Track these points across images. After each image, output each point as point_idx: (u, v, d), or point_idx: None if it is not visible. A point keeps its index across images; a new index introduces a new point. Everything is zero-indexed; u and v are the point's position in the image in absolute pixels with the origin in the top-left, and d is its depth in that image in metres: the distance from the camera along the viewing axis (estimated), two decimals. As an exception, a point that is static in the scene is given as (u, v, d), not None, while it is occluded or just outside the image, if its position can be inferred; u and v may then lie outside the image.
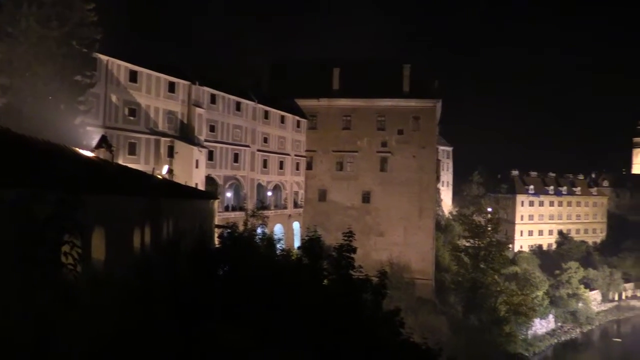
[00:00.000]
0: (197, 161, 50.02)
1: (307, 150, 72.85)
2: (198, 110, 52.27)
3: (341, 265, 17.35)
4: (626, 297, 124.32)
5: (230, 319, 12.34)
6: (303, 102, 72.71)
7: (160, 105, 48.79)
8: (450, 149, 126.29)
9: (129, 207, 9.98)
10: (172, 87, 50.33)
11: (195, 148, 50.05)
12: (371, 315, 16.71)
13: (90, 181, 7.83)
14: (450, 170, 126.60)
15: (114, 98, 43.32)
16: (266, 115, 64.65)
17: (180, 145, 49.19)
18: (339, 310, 14.24)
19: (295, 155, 70.54)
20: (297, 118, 70.87)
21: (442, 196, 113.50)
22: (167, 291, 10.59)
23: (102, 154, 26.81)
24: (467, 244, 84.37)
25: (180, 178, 45.22)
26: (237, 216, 52.34)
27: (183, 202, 18.17)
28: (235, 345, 10.71)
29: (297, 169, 71.13)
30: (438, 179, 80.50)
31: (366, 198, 71.58)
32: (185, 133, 50.89)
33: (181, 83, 51.29)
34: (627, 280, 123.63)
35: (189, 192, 24.63)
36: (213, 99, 55.50)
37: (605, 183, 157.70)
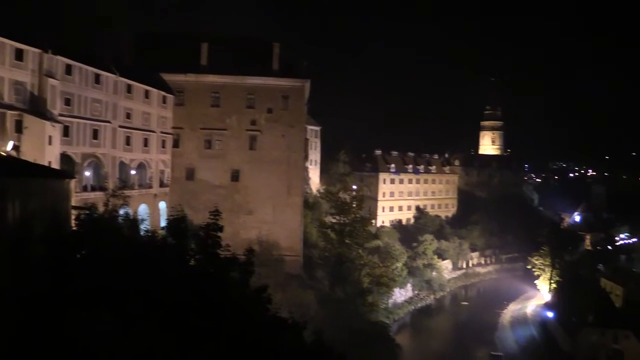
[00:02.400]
0: (50, 137, 45.94)
1: (173, 127, 70.21)
2: (51, 81, 47.89)
3: (208, 245, 17.16)
4: (472, 264, 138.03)
5: (90, 304, 11.72)
6: (169, 77, 69.76)
7: (6, 74, 43.94)
8: (318, 128, 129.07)
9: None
10: (19, 55, 45.46)
11: (47, 123, 45.91)
12: (239, 293, 16.80)
13: None
14: (318, 149, 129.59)
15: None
16: (129, 89, 61.08)
17: (30, 120, 44.71)
18: (206, 290, 14.14)
19: (161, 132, 67.70)
20: (163, 93, 67.89)
21: (310, 174, 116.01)
22: (11, 279, 9.75)
23: None
24: (334, 221, 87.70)
25: (29, 155, 41.34)
26: (97, 196, 49.29)
27: (32, 182, 16.70)
28: (96, 331, 10.21)
29: (163, 146, 68.39)
30: (306, 157, 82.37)
31: (235, 177, 71.07)
32: (37, 106, 46.40)
33: (30, 51, 46.46)
34: (473, 250, 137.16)
35: (39, 171, 22.68)
36: (69, 70, 51.15)
37: (457, 162, 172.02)
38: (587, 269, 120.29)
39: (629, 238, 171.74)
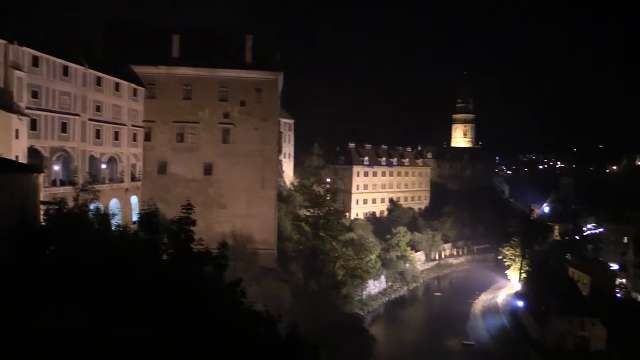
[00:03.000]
0: (17, 131, 44.87)
1: (145, 121, 69.20)
2: (17, 73, 46.67)
3: (181, 239, 17.02)
4: (445, 256, 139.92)
5: (60, 301, 11.54)
6: (140, 69, 68.63)
7: (-31, 66, 42.68)
8: (291, 121, 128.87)
9: None
10: (-17, 46, 44.17)
11: (14, 116, 44.80)
12: (212, 287, 16.73)
13: None
14: (292, 142, 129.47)
15: None
16: (99, 81, 59.90)
17: (-5, 113, 43.58)
18: (179, 284, 14.06)
19: (132, 126, 66.67)
20: (134, 86, 66.79)
21: (284, 167, 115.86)
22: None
23: None
24: (308, 214, 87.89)
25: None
26: (66, 191, 48.32)
27: (-1, 177, 16.32)
28: (65, 327, 10.08)
29: (135, 140, 67.40)
30: (280, 150, 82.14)
31: (208, 170, 70.49)
32: (2, 99, 45.20)
33: (-5, 42, 45.22)
34: (445, 241, 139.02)
35: (6, 165, 22.15)
36: (35, 62, 49.90)
37: (429, 155, 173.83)
38: (556, 258, 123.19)
39: (596, 228, 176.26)
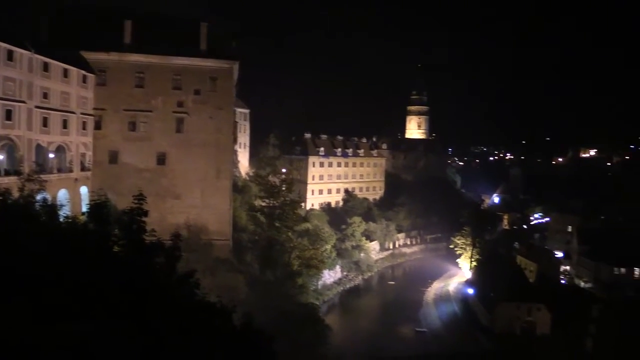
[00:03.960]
0: (-44, 117, 42.76)
1: (95, 109, 67.02)
2: (-44, 57, 44.43)
3: (132, 230, 16.68)
4: (399, 245, 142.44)
5: (3, 295, 11.17)
6: (90, 55, 66.33)
7: None
8: (247, 111, 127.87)
9: None
10: None
11: (-47, 102, 42.65)
12: (165, 279, 16.49)
13: None
14: (248, 132, 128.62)
15: None
16: (46, 67, 57.55)
17: None
18: (130, 276, 13.80)
19: (82, 114, 64.51)
20: (84, 72, 64.54)
21: (240, 158, 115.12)
22: None
23: None
24: (263, 204, 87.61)
25: None
26: (11, 181, 46.40)
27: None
28: (10, 324, 9.76)
29: (84, 128, 65.27)
30: (235, 140, 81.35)
31: (161, 160, 69.04)
32: (-61, 84, 42.96)
33: None
34: (399, 231, 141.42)
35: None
36: (-24, 45, 47.59)
37: (384, 146, 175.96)
38: (505, 247, 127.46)
39: (542, 217, 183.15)
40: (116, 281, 12.97)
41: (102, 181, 61.74)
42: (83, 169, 64.70)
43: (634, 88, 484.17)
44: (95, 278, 12.69)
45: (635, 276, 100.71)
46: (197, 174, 69.32)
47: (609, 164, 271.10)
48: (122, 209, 18.40)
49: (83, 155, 65.09)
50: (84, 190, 63.53)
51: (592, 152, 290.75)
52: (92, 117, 66.48)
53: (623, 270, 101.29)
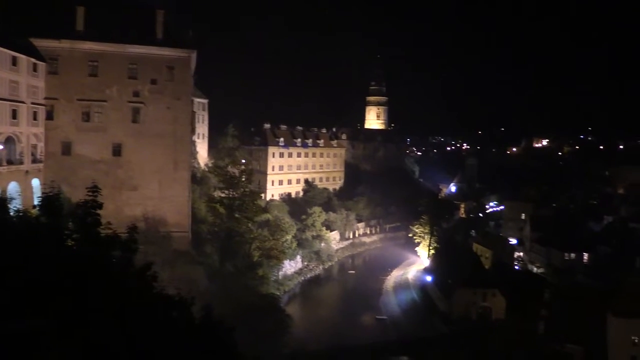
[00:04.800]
0: None
1: (47, 98, 64.71)
2: None
3: (87, 223, 16.28)
4: (359, 235, 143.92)
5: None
6: (41, 43, 63.80)
7: None
8: (205, 101, 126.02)
9: None
10: None
11: None
12: (121, 273, 16.20)
13: None
14: (206, 122, 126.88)
15: None
16: (-8, 55, 55.22)
17: None
18: (84, 271, 13.50)
19: (32, 104, 62.17)
20: (34, 60, 62.12)
21: (198, 148, 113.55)
22: None
23: None
24: (223, 195, 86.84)
25: None
26: (-44, 173, 44.57)
27: None
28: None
29: (35, 118, 62.95)
30: (193, 131, 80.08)
31: (117, 151, 67.37)
32: None
33: None
34: (359, 221, 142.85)
35: None
36: None
37: (344, 136, 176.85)
38: (461, 235, 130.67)
39: (497, 206, 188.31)
40: (69, 276, 12.67)
41: (55, 173, 59.83)
42: (34, 160, 62.53)
43: (583, 79, 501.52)
44: (48, 273, 12.35)
45: (585, 261, 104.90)
46: (154, 165, 68.01)
47: (560, 153, 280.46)
48: (76, 202, 17.91)
49: (34, 146, 62.87)
50: (35, 182, 61.46)
51: (544, 142, 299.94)
52: (43, 107, 64.20)
53: (573, 255, 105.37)
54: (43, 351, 9.68)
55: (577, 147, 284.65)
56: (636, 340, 61.10)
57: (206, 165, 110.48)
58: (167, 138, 68.32)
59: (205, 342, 18.27)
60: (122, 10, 67.49)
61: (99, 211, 16.68)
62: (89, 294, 12.29)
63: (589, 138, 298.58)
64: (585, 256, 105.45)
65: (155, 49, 67.93)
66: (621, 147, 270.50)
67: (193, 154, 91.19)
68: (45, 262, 12.88)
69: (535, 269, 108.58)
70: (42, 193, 18.49)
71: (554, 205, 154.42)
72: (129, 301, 14.01)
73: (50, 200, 16.84)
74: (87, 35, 65.70)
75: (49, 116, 64.90)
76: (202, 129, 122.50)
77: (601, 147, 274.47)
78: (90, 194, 16.96)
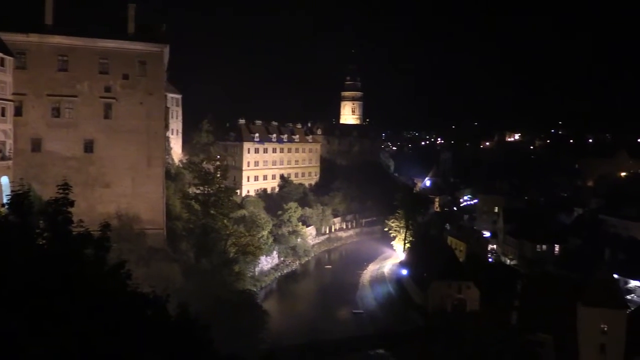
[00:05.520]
0: None
1: (15, 94, 63.07)
2: None
3: (58, 222, 15.97)
4: (335, 229, 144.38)
5: None
6: (8, 37, 62.08)
7: None
8: (179, 96, 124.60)
9: None
10: None
11: None
12: (94, 271, 15.94)
13: None
14: (180, 118, 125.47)
15: None
16: (-44, 49, 53.68)
17: None
18: (56, 269, 13.27)
19: (0, 99, 60.68)
20: (1, 55, 60.53)
21: (172, 144, 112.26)
22: None
23: None
24: (198, 191, 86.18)
25: None
26: None
27: None
28: None
29: (3, 114, 61.34)
30: (167, 126, 79.11)
31: (89, 147, 66.14)
32: None
33: None
34: (335, 216, 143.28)
35: None
36: None
37: (319, 132, 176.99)
38: (436, 228, 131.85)
39: (471, 199, 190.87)
40: (40, 275, 12.44)
41: (24, 171, 58.59)
42: (3, 158, 60.99)
43: (554, 74, 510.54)
44: (18, 273, 12.11)
45: (556, 252, 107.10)
46: (127, 161, 67.02)
47: (531, 147, 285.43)
48: (47, 200, 17.56)
49: (3, 143, 61.32)
50: (4, 180, 59.98)
51: (517, 136, 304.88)
52: (11, 102, 62.62)
53: (544, 247, 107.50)
54: (16, 352, 9.52)
55: (548, 140, 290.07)
56: (605, 329, 62.64)
57: (180, 161, 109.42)
58: (140, 134, 67.39)
59: (180, 339, 18.13)
60: (93, 4, 66.39)
61: (70, 209, 16.39)
62: (61, 293, 12.11)
63: (560, 132, 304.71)
64: (557, 247, 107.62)
65: (127, 44, 66.85)
66: (590, 140, 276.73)
67: (167, 150, 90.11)
68: (15, 262, 12.62)
69: (508, 261, 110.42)
70: (12, 191, 18.09)
71: (526, 198, 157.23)
72: (102, 300, 13.84)
73: (20, 198, 16.46)
74: (57, 29, 64.31)
75: (18, 112, 63.34)
76: (176, 124, 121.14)
77: (571, 140, 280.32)
78: (61, 191, 16.64)
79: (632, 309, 70.58)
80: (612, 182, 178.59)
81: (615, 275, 75.65)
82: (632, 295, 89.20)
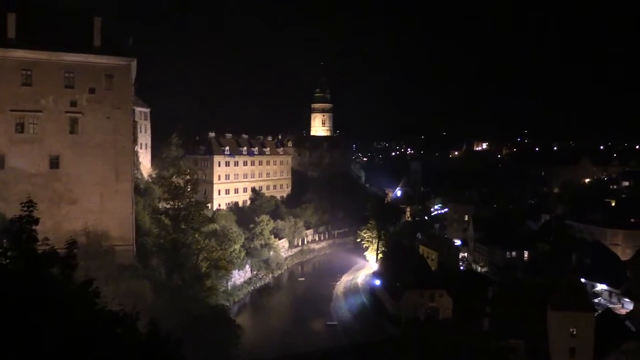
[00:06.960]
0: None
1: (-24, 109, 61.54)
2: None
3: (22, 240, 15.54)
4: (307, 242, 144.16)
5: None
6: (-32, 52, 60.77)
7: None
8: (147, 110, 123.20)
9: None
10: None
11: None
12: (61, 290, 15.53)
13: None
14: (149, 132, 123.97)
15: None
16: None
17: None
18: (20, 289, 12.90)
19: (-40, 115, 59.01)
20: (-40, 70, 59.05)
21: (141, 159, 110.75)
22: None
23: None
24: (168, 206, 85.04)
25: None
26: None
27: None
28: None
29: (-37, 131, 59.76)
30: (135, 141, 78.00)
31: (54, 163, 64.63)
32: None
33: None
34: (307, 228, 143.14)
35: None
36: None
37: (290, 144, 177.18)
38: (408, 238, 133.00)
39: (442, 208, 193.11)
40: (4, 296, 12.06)
41: (-14, 188, 56.93)
42: (-37, 175, 59.22)
43: (520, 84, 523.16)
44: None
45: (525, 258, 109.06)
46: (94, 177, 65.69)
47: (499, 156, 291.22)
48: (10, 218, 17.06)
49: (-37, 160, 59.56)
50: (-35, 198, 58.16)
51: (484, 145, 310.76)
52: (-28, 118, 60.95)
53: (514, 253, 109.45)
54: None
55: (514, 149, 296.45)
56: (574, 332, 63.88)
57: (150, 175, 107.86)
58: (108, 149, 66.23)
59: (151, 357, 17.77)
60: (57, 17, 65.17)
61: (35, 227, 15.97)
62: (27, 313, 11.77)
63: (525, 140, 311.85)
64: (525, 254, 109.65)
65: (93, 57, 65.81)
66: (555, 148, 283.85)
67: (136, 164, 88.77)
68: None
69: (479, 268, 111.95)
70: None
71: (495, 206, 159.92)
72: (69, 319, 13.48)
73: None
74: (20, 42, 62.91)
75: (-20, 128, 61.64)
76: (144, 138, 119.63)
77: (537, 148, 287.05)
78: (25, 209, 16.22)
79: (599, 312, 72.29)
80: (576, 188, 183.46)
81: (582, 280, 77.29)
82: (599, 298, 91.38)
